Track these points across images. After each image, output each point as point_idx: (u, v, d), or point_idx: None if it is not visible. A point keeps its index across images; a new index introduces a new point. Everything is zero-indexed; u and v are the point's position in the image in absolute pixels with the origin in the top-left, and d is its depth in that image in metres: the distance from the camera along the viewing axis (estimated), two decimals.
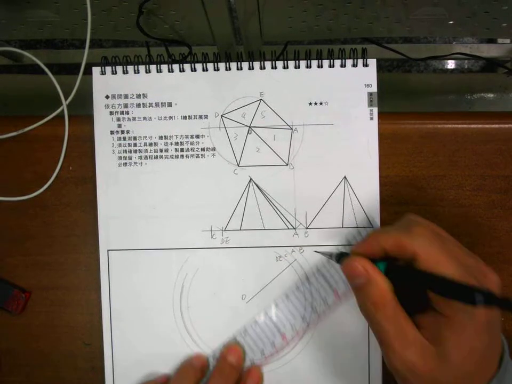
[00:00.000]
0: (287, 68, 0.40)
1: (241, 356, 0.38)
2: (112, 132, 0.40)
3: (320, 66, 0.39)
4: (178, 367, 0.38)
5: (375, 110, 0.39)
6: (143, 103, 0.40)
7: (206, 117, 0.40)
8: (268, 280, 0.40)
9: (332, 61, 0.39)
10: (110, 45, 0.93)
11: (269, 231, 0.39)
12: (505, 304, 0.27)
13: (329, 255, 0.36)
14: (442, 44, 0.92)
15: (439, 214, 0.40)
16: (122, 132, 0.40)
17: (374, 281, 0.29)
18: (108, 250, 0.40)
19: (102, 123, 0.40)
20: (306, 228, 0.39)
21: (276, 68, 0.40)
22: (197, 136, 0.40)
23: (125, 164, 0.40)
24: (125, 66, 0.40)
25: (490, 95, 0.68)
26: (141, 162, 0.40)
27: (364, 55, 0.39)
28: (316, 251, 0.39)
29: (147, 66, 0.40)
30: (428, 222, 0.31)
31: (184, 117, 0.40)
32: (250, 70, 0.40)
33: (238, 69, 0.40)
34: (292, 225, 0.39)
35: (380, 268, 0.30)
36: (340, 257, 0.34)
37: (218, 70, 0.40)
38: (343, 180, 0.39)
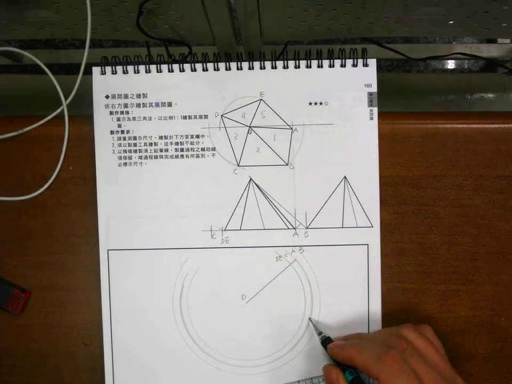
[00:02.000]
0: (287, 67, 0.40)
1: None
2: (112, 132, 0.40)
3: (320, 66, 0.39)
4: None
5: (375, 110, 0.39)
6: (143, 103, 0.40)
7: (206, 116, 0.40)
8: (268, 280, 0.40)
9: (332, 61, 0.39)
10: (110, 45, 0.93)
11: (269, 231, 0.39)
12: None
13: (318, 333, 0.39)
14: (442, 44, 0.92)
15: (439, 214, 0.40)
16: (122, 131, 0.40)
17: None
18: (107, 250, 0.40)
19: (102, 123, 0.40)
20: (306, 228, 0.39)
21: (276, 67, 0.40)
22: (197, 136, 0.40)
23: (125, 164, 0.40)
24: (125, 66, 0.40)
25: (490, 95, 0.68)
26: (141, 162, 0.40)
27: (364, 55, 0.39)
28: (309, 318, 0.39)
29: (147, 66, 0.40)
30: (407, 345, 0.33)
31: (184, 117, 0.40)
32: (250, 70, 0.40)
33: (238, 69, 0.40)
34: (291, 225, 0.39)
35: (347, 378, 0.35)
36: (325, 342, 0.38)
37: (218, 70, 0.40)
38: (343, 179, 0.39)
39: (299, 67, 0.40)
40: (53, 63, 0.81)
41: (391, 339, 0.34)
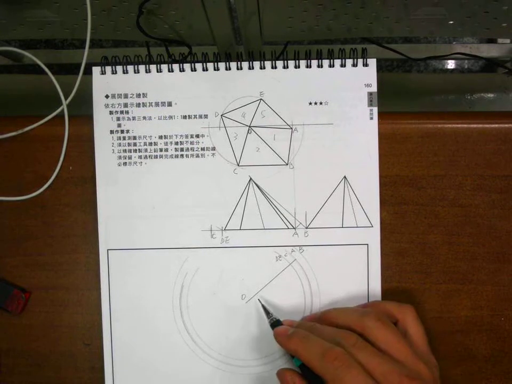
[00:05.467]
0: (287, 67, 0.40)
1: None
2: (111, 132, 0.40)
3: (320, 66, 0.39)
4: None
5: (375, 109, 0.39)
6: (143, 103, 0.40)
7: (206, 116, 0.40)
8: (268, 280, 0.40)
9: (332, 60, 0.39)
10: (110, 45, 0.93)
11: (269, 231, 0.39)
12: None
13: (266, 313, 0.38)
14: (442, 44, 0.92)
15: (439, 214, 0.40)
16: (122, 131, 0.40)
17: None
18: (107, 250, 0.40)
19: (102, 123, 0.40)
20: (306, 228, 0.39)
21: (276, 67, 0.40)
22: (197, 136, 0.40)
23: (125, 164, 0.40)
24: (125, 66, 0.40)
25: (490, 95, 0.68)
26: (141, 162, 0.40)
27: (364, 55, 0.39)
28: (258, 299, 0.39)
29: (147, 66, 0.40)
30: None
31: (184, 117, 0.40)
32: (250, 70, 0.40)
33: (238, 69, 0.40)
34: (291, 225, 0.39)
35: (296, 362, 0.34)
36: (274, 325, 0.37)
37: (218, 69, 0.40)
38: (343, 179, 0.39)
39: (299, 67, 0.40)
40: (53, 63, 0.81)
41: (341, 334, 0.32)
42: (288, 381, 0.34)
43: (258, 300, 0.39)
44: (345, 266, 0.39)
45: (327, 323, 0.35)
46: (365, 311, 0.34)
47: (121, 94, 0.40)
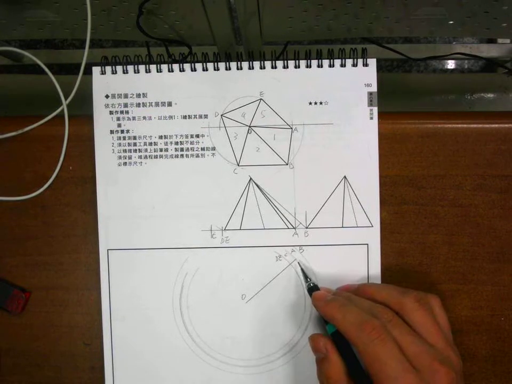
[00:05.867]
0: (287, 67, 0.40)
1: None
2: (112, 132, 0.40)
3: (320, 66, 0.39)
4: None
5: (375, 109, 0.39)
6: (143, 103, 0.40)
7: (206, 116, 0.40)
8: (268, 279, 0.40)
9: (332, 60, 0.39)
10: (110, 45, 0.93)
11: (269, 231, 0.39)
12: None
13: (305, 277, 0.39)
14: (442, 44, 0.92)
15: (439, 214, 0.40)
16: (122, 131, 0.40)
17: (330, 359, 0.33)
18: (107, 250, 0.40)
19: (102, 123, 0.40)
20: (306, 228, 0.39)
21: (275, 67, 0.40)
22: (197, 136, 0.40)
23: (125, 164, 0.40)
24: (125, 66, 0.40)
25: (490, 95, 0.68)
26: (141, 162, 0.40)
27: (364, 55, 0.39)
28: (298, 262, 0.39)
29: (147, 66, 0.40)
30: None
31: (184, 117, 0.40)
32: (250, 70, 0.40)
33: (238, 69, 0.40)
34: (291, 225, 0.39)
35: (329, 329, 0.34)
36: (311, 290, 0.37)
37: (218, 69, 0.40)
38: (343, 179, 0.39)
39: (299, 67, 0.40)
40: (53, 63, 0.81)
41: (378, 308, 0.32)
42: (320, 347, 0.34)
43: (298, 263, 0.39)
44: (345, 266, 0.39)
45: (364, 297, 0.35)
46: (404, 291, 0.34)
47: (121, 94, 0.40)
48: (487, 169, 0.40)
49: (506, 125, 0.40)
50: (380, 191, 0.39)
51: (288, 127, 0.40)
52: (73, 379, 0.41)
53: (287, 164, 0.40)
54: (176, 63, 0.40)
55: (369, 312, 0.32)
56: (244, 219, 0.39)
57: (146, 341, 0.40)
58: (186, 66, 0.40)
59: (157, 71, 0.40)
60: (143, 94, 0.40)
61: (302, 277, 0.39)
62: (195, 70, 0.40)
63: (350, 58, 0.39)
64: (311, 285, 0.38)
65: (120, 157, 0.40)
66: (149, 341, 0.40)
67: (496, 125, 0.40)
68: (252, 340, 0.39)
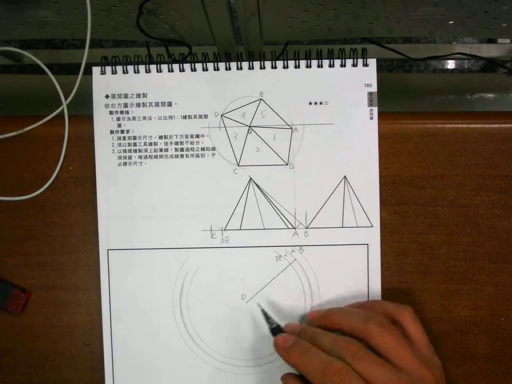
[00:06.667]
0: (287, 67, 0.40)
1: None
2: (112, 132, 0.40)
3: (320, 66, 0.39)
4: None
5: (375, 109, 0.39)
6: (143, 103, 0.40)
7: (206, 116, 0.40)
8: (268, 280, 0.40)
9: (332, 60, 0.39)
10: (110, 45, 0.93)
11: (269, 231, 0.39)
12: None
13: (266, 319, 0.38)
14: (442, 44, 0.92)
15: (439, 214, 0.40)
16: (122, 131, 0.40)
17: None
18: (107, 250, 0.40)
19: (102, 123, 0.40)
20: (306, 228, 0.39)
21: (276, 67, 0.40)
22: (197, 136, 0.40)
23: (125, 164, 0.40)
24: (125, 66, 0.40)
25: (490, 95, 0.68)
26: (141, 162, 0.40)
27: (364, 55, 0.39)
28: (258, 303, 0.39)
29: (147, 66, 0.40)
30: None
31: (184, 117, 0.40)
32: (250, 70, 0.40)
33: (238, 69, 0.40)
34: (291, 225, 0.39)
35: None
36: (274, 330, 0.37)
37: (218, 69, 0.40)
38: (343, 179, 0.39)
39: (299, 67, 0.40)
40: (53, 63, 0.81)
41: (342, 343, 0.32)
42: None
43: (258, 304, 0.39)
44: (345, 266, 0.39)
45: (331, 324, 0.35)
46: (368, 316, 0.34)
47: (121, 94, 0.40)
48: (487, 169, 0.40)
49: (506, 125, 0.40)
50: (380, 191, 0.39)
51: (288, 127, 0.40)
52: (73, 379, 0.41)
53: (287, 164, 0.40)
54: (176, 63, 0.40)
55: (333, 349, 0.32)
56: (244, 219, 0.39)
57: (146, 341, 0.40)
58: (186, 66, 0.40)
59: (157, 71, 0.40)
60: (143, 94, 0.40)
61: (264, 318, 0.38)
62: (195, 70, 0.40)
63: (350, 58, 0.39)
64: (273, 326, 0.37)
65: (120, 157, 0.40)
66: (149, 341, 0.40)
67: (496, 125, 0.40)
68: (252, 340, 0.39)
